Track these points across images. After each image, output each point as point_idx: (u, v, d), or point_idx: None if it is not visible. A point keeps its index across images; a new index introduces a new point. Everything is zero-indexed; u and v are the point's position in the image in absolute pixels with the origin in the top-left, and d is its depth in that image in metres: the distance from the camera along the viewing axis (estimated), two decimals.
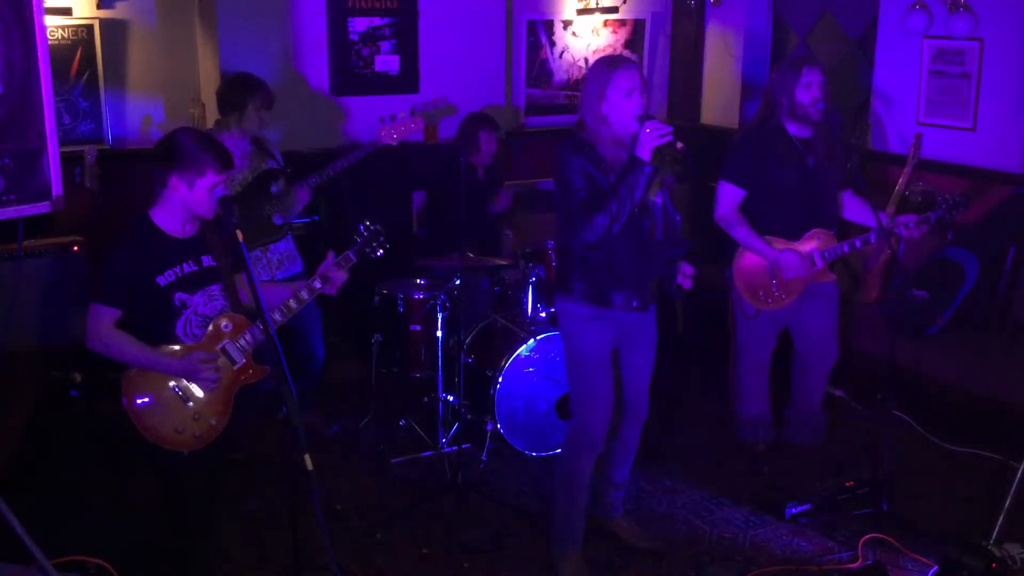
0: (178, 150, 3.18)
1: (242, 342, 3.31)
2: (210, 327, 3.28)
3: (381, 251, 3.54)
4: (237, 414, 3.34)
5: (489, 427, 4.61)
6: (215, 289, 3.32)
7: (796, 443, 4.67)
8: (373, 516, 4.16)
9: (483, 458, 4.61)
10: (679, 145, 3.33)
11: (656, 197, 3.54)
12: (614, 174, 3.41)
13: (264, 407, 3.49)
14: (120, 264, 3.19)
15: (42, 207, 3.92)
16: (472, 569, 3.83)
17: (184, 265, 3.25)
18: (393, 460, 4.63)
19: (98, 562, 3.17)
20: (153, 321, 3.22)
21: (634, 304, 3.55)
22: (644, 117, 3.36)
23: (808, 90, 4.14)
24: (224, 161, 3.22)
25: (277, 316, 3.36)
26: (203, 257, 3.31)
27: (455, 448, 4.51)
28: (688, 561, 3.88)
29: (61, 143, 4.10)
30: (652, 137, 3.30)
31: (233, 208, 3.17)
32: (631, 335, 3.69)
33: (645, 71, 6.85)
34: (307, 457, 2.62)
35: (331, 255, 3.48)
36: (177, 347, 3.24)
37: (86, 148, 5.16)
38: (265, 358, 3.39)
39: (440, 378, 4.71)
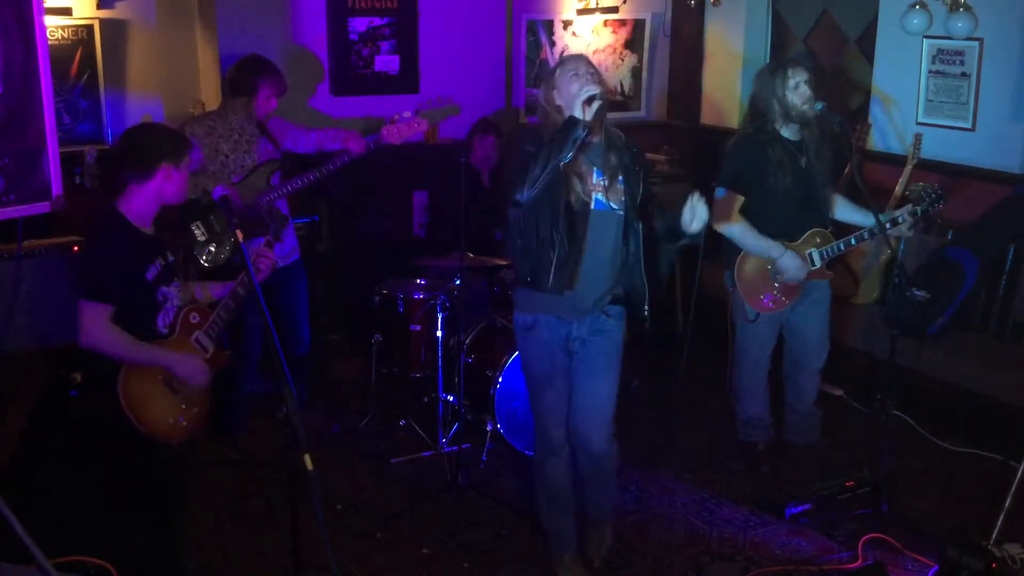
0: (161, 138, 3.32)
1: (210, 331, 3.44)
2: (180, 320, 3.38)
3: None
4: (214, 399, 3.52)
5: (489, 427, 4.61)
6: (177, 284, 3.43)
7: (794, 443, 4.67)
8: (373, 516, 4.16)
9: (483, 458, 4.62)
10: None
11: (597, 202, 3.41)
12: None
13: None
14: (109, 259, 3.21)
15: (42, 207, 3.92)
16: (472, 569, 3.83)
17: (159, 260, 3.33)
18: (393, 460, 4.63)
19: (98, 562, 3.17)
20: (138, 316, 3.27)
21: (565, 283, 3.38)
22: (588, 95, 3.27)
23: (798, 91, 4.15)
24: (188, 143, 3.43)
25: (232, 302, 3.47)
26: (166, 252, 3.39)
27: (455, 448, 4.51)
28: (688, 561, 3.89)
29: (61, 143, 4.10)
30: (580, 97, 3.25)
31: (233, 208, 3.18)
32: (580, 351, 3.54)
33: (645, 71, 6.86)
34: (307, 457, 2.63)
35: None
36: (163, 341, 3.34)
37: (86, 148, 5.16)
38: (225, 343, 3.58)
39: (440, 378, 4.71)
